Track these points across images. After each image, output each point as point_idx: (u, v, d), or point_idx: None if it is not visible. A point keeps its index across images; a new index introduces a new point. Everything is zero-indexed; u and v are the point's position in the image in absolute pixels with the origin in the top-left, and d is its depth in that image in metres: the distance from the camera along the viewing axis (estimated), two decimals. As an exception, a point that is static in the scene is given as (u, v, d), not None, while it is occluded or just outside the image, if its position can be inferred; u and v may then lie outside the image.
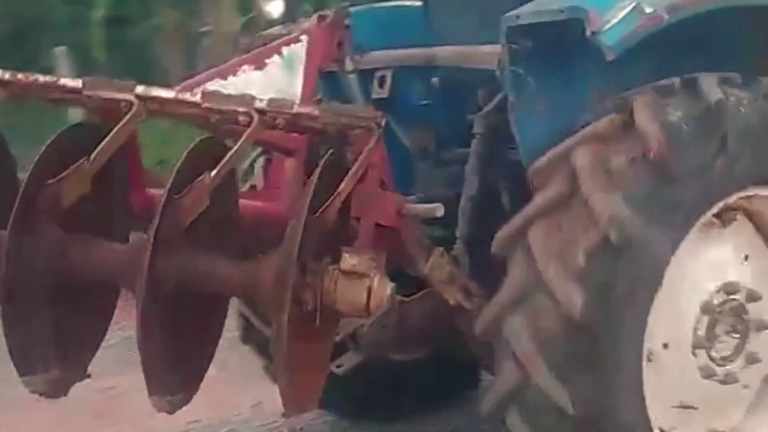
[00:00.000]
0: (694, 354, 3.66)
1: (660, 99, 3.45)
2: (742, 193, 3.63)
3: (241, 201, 3.45)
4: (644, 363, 3.48)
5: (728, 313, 3.71)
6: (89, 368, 3.32)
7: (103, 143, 3.07)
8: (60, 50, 11.97)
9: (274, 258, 3.05)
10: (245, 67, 3.82)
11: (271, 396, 3.81)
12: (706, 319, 3.67)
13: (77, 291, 3.19)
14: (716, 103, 3.46)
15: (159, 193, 3.17)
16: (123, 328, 3.69)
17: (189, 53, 11.97)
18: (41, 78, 3.23)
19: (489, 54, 3.82)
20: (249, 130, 3.14)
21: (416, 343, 4.06)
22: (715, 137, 3.47)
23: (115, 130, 3.09)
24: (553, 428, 3.39)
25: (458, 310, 3.73)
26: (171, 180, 2.99)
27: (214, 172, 3.04)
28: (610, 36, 3.37)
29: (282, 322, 2.96)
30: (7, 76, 3.20)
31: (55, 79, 3.25)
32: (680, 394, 3.67)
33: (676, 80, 3.50)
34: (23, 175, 3.08)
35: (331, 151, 3.18)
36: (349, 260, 3.07)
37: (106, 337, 3.45)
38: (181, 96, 3.24)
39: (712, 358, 3.69)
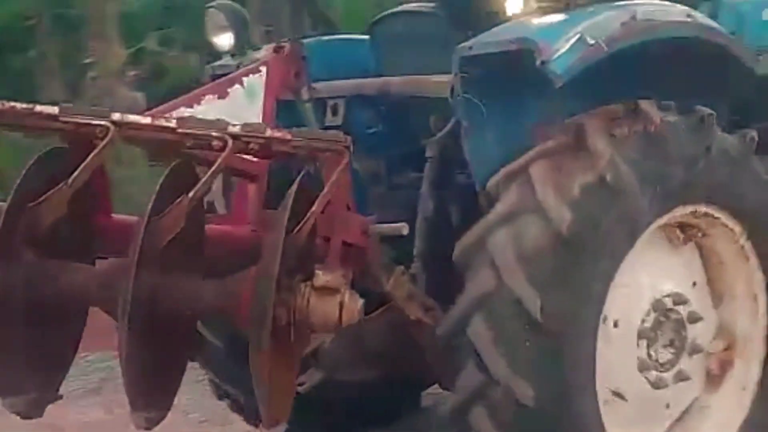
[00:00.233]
0: (637, 344, 3.92)
1: (608, 122, 3.72)
2: (690, 208, 3.92)
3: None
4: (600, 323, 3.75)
5: (671, 324, 3.98)
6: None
7: (80, 167, 3.15)
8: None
9: (253, 275, 3.17)
10: (209, 96, 3.94)
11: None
12: (653, 316, 3.94)
13: (51, 313, 3.25)
14: (659, 125, 3.76)
15: (124, 217, 3.30)
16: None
17: (73, 84, 11.84)
18: (18, 105, 3.29)
19: (438, 83, 4.05)
20: (224, 154, 3.24)
21: (375, 359, 4.21)
22: (658, 156, 3.76)
23: (92, 155, 3.17)
24: (518, 424, 3.60)
25: (417, 325, 3.90)
26: (151, 203, 3.10)
27: (191, 194, 3.15)
28: (558, 65, 3.62)
29: (262, 337, 3.06)
30: None
31: (31, 106, 3.32)
32: (617, 379, 3.90)
33: (620, 105, 3.79)
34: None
35: (303, 173, 3.32)
36: (322, 277, 3.19)
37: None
38: (156, 122, 3.34)
39: (650, 356, 3.95)
